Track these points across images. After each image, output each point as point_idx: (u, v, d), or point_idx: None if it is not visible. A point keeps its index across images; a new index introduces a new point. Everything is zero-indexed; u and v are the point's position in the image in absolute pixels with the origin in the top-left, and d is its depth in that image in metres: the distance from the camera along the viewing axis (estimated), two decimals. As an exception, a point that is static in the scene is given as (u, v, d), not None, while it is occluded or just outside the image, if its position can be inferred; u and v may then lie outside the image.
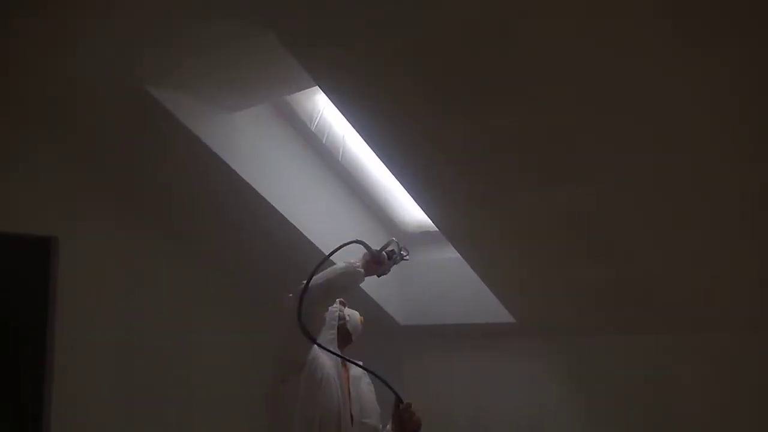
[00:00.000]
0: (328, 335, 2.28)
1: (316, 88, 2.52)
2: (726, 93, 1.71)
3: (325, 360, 2.21)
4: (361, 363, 2.25)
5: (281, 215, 2.83)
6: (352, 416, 2.20)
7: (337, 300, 2.39)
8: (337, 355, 2.21)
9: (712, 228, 2.13)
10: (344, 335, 2.32)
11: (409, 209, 3.20)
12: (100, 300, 3.09)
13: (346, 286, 2.23)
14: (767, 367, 2.37)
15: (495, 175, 2.26)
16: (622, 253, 2.36)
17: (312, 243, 2.96)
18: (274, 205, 2.81)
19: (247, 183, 2.72)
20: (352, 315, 2.40)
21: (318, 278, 2.14)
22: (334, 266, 2.21)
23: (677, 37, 1.61)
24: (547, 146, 2.06)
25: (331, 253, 2.18)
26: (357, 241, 2.26)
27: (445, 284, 3.09)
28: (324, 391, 2.16)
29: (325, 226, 3.01)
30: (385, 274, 2.36)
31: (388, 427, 2.21)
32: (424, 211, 2.63)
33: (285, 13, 1.94)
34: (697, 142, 1.87)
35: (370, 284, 3.10)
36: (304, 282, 2.07)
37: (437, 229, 2.79)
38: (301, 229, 2.90)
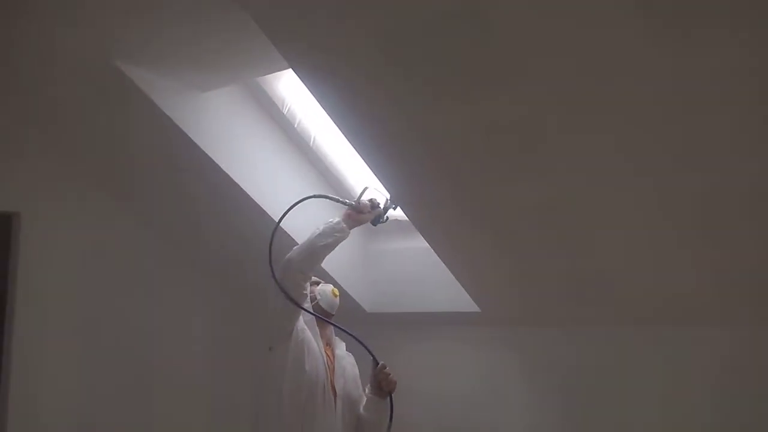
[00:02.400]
0: (306, 316, 2.40)
1: (290, 70, 2.51)
2: (689, 96, 1.74)
3: (309, 336, 2.33)
4: (341, 326, 2.40)
5: (249, 198, 2.81)
6: (335, 390, 2.32)
7: (308, 284, 2.45)
8: (326, 321, 2.37)
9: (674, 223, 2.17)
10: (322, 313, 2.42)
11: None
12: (63, 276, 3.05)
13: (329, 243, 2.31)
14: (728, 359, 2.43)
15: (466, 166, 2.27)
16: (586, 247, 2.40)
17: (280, 227, 2.94)
18: (242, 186, 2.79)
19: (215, 163, 2.70)
20: (324, 292, 2.48)
21: (300, 246, 2.29)
22: (315, 229, 2.33)
23: (656, 35, 1.63)
24: (517, 139, 2.07)
25: (290, 209, 2.36)
26: (319, 195, 2.41)
27: (412, 273, 3.10)
28: (310, 363, 2.27)
29: (295, 211, 3.00)
30: (382, 221, 2.45)
31: (367, 389, 2.38)
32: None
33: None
34: (660, 141, 1.90)
35: (337, 272, 3.13)
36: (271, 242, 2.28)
37: (405, 218, 2.79)
38: (270, 213, 2.89)
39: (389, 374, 2.31)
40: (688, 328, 2.48)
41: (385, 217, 2.45)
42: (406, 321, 3.17)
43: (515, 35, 1.75)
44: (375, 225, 2.44)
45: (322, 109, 2.33)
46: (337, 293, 2.50)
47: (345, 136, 2.38)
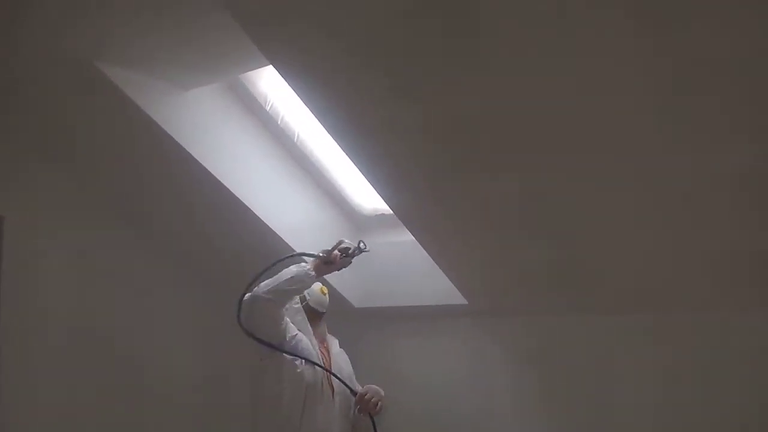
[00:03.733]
0: (297, 317, 2.43)
1: (272, 67, 2.51)
2: (670, 82, 1.76)
3: (302, 338, 2.39)
4: (322, 364, 2.41)
5: (234, 196, 2.81)
6: (333, 386, 2.41)
7: None
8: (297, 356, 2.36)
9: (659, 212, 2.20)
10: (312, 312, 2.49)
11: (364, 192, 3.21)
12: (47, 281, 3.03)
13: (297, 288, 2.38)
14: (715, 347, 2.46)
15: (448, 159, 2.28)
16: (571, 236, 2.42)
17: (267, 225, 2.95)
18: (226, 185, 2.78)
19: (199, 162, 2.69)
20: (312, 290, 2.54)
21: (269, 284, 2.32)
22: (286, 270, 2.37)
23: (637, 36, 1.64)
24: (499, 131, 2.09)
25: (268, 267, 2.36)
26: (297, 254, 2.43)
27: (400, 267, 3.12)
28: (306, 364, 2.34)
29: (280, 207, 3.01)
30: (345, 267, 2.49)
31: (356, 409, 2.43)
32: (378, 193, 2.64)
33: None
34: (642, 132, 1.92)
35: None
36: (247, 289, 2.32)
37: (392, 212, 2.80)
38: (254, 211, 2.89)
39: (369, 400, 2.37)
40: (673, 315, 2.51)
41: (349, 262, 2.50)
42: (395, 315, 3.19)
43: (494, 29, 1.76)
44: (339, 270, 2.49)
45: (304, 105, 2.33)
46: (326, 291, 2.55)
47: (327, 132, 2.39)
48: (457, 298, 2.90)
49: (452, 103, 2.03)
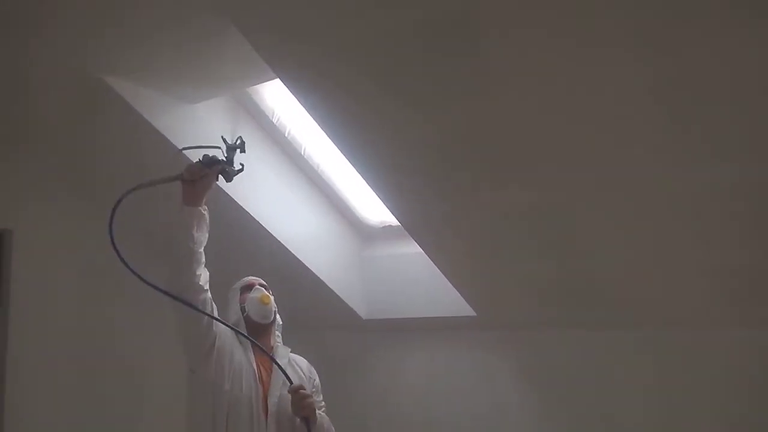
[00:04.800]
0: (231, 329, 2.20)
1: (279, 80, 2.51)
2: (677, 91, 1.75)
3: (234, 350, 2.14)
4: (255, 341, 2.12)
5: (242, 208, 2.81)
6: (267, 408, 2.09)
7: (238, 290, 2.30)
8: (245, 336, 2.14)
9: (662, 226, 2.19)
10: (254, 325, 2.20)
11: (371, 204, 3.21)
12: (55, 293, 3.03)
13: (182, 228, 2.11)
14: (716, 362, 2.45)
15: (455, 172, 2.29)
16: (577, 251, 2.41)
17: (274, 236, 2.94)
18: (233, 197, 2.78)
19: (208, 176, 2.69)
20: (251, 301, 2.24)
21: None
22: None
23: (638, 45, 1.64)
24: (507, 146, 2.09)
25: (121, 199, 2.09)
26: (135, 189, 2.06)
27: (407, 278, 3.11)
28: (234, 381, 2.08)
29: (287, 219, 3.00)
30: (238, 170, 2.10)
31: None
32: (386, 205, 2.64)
33: (246, 3, 1.92)
34: (645, 143, 1.92)
35: (332, 278, 3.13)
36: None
37: (399, 224, 2.80)
38: (262, 223, 2.89)
39: (302, 398, 2.04)
40: (682, 330, 2.50)
41: (238, 165, 2.09)
42: (403, 327, 3.18)
43: (498, 48, 1.76)
44: (230, 180, 2.10)
45: (311, 118, 2.34)
46: (268, 300, 2.20)
47: (335, 145, 2.39)
48: (465, 310, 2.89)
49: (460, 118, 2.03)
